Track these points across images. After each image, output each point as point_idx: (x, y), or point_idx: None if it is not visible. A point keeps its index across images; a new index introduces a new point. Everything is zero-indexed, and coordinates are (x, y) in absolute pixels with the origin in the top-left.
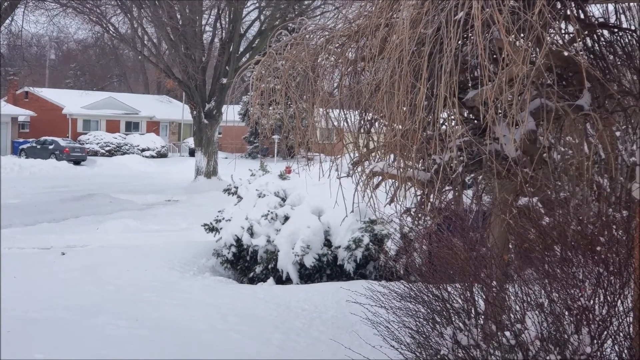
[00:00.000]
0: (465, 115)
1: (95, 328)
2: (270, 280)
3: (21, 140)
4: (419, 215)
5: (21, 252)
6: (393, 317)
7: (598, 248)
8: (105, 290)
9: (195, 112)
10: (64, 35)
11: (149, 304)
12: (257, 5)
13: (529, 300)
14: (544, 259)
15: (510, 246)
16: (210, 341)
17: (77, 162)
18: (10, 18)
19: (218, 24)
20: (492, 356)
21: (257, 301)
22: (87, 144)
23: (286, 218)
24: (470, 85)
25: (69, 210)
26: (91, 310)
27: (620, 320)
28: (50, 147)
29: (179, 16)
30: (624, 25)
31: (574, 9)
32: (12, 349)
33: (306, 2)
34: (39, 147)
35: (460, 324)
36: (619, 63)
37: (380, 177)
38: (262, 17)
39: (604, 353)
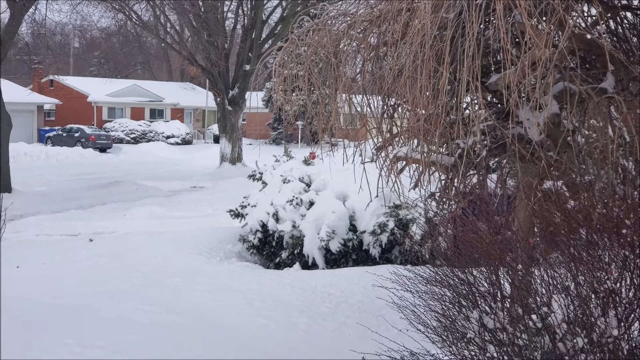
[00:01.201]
0: (489, 99)
1: (123, 314)
2: (297, 266)
3: (47, 128)
4: (444, 199)
5: (49, 239)
6: (419, 301)
7: (624, 231)
8: (133, 277)
9: (219, 99)
10: (87, 24)
11: (176, 290)
12: None
13: (555, 283)
14: (569, 242)
15: (536, 230)
16: (237, 326)
17: (102, 150)
18: (33, 7)
19: (240, 11)
20: (519, 339)
21: (283, 286)
22: (112, 131)
23: (311, 203)
24: (493, 69)
25: (96, 197)
26: (119, 296)
27: None
28: (76, 134)
29: (200, 3)
30: None
31: None
32: (42, 334)
33: None
34: (65, 135)
35: (487, 308)
36: None
37: (404, 162)
38: (283, 3)
39: (632, 336)
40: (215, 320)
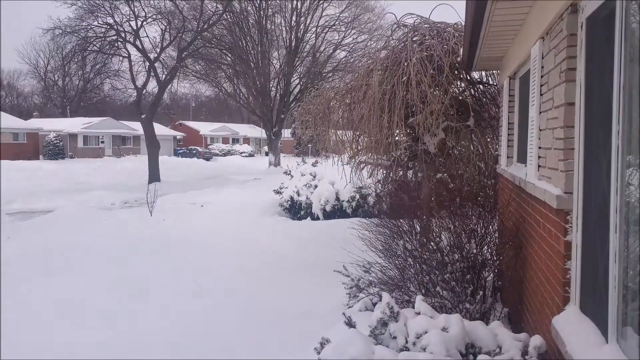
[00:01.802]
0: (408, 131)
1: (221, 240)
2: (309, 218)
3: (178, 148)
4: (385, 183)
5: (178, 206)
6: (372, 235)
7: (479, 198)
8: (224, 224)
9: (267, 133)
10: (198, 93)
11: (248, 232)
12: (299, 77)
13: (443, 226)
14: (450, 205)
15: (433, 199)
16: (277, 248)
17: (207, 160)
18: (170, 85)
19: (278, 86)
20: (424, 255)
21: (301, 228)
22: (212, 150)
23: (315, 186)
24: (411, 114)
25: (204, 184)
26: (216, 234)
27: (491, 236)
28: (194, 152)
29: (257, 83)
30: (490, 82)
31: (464, 74)
32: (172, 255)
33: (324, 75)
34: (187, 151)
35: (407, 238)
36: (488, 101)
37: (364, 164)
38: (301, 82)
39: (483, 252)
40: (267, 246)
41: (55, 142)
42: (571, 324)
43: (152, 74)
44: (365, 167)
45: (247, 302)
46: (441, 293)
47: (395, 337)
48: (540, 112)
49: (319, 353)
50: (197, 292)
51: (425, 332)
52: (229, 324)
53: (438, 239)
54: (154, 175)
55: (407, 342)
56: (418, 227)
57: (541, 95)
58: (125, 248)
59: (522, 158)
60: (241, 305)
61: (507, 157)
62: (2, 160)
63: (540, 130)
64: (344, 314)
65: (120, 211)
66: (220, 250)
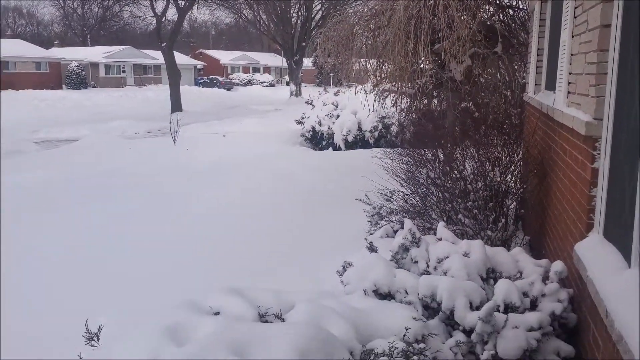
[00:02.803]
0: (434, 58)
1: (242, 172)
2: (330, 149)
3: (199, 78)
4: (409, 112)
5: (201, 135)
6: (395, 164)
7: (504, 127)
8: (247, 154)
9: (288, 61)
10: (219, 20)
11: (269, 161)
12: (320, 2)
13: (467, 154)
14: (475, 134)
15: (457, 127)
16: (299, 177)
17: (228, 89)
18: (190, 12)
19: (299, 13)
20: (447, 183)
21: (322, 158)
22: (232, 80)
23: (337, 116)
24: (437, 40)
25: (225, 114)
26: (239, 163)
27: (515, 164)
28: (214, 81)
29: (278, 9)
30: (521, 5)
31: None
32: (196, 183)
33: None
34: (208, 81)
35: (430, 167)
36: (517, 27)
37: (388, 93)
38: (323, 8)
39: (507, 180)
40: (289, 174)
41: (77, 71)
42: (593, 250)
43: (172, 0)
44: (389, 96)
45: (268, 229)
46: (463, 221)
47: (416, 262)
48: (573, 36)
49: (341, 275)
50: (214, 218)
51: (447, 257)
52: (251, 251)
53: (462, 167)
54: (175, 105)
55: (428, 266)
56: (442, 156)
57: (575, 17)
58: (151, 176)
59: (551, 85)
60: (262, 233)
61: (535, 84)
62: (25, 90)
63: (571, 55)
64: (365, 239)
65: (144, 140)
66: (241, 179)
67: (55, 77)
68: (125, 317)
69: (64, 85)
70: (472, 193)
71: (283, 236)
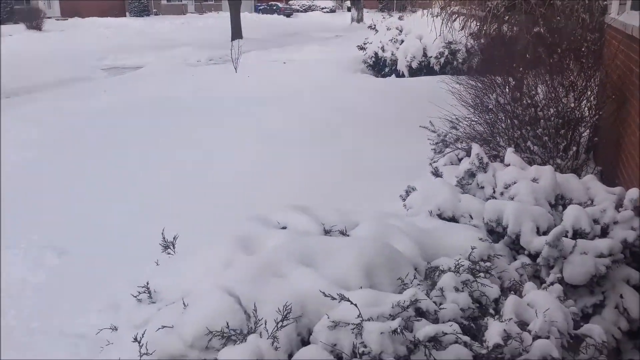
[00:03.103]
0: None
1: (301, 99)
2: (393, 76)
3: (259, 4)
4: (478, 37)
5: (261, 62)
6: (463, 89)
7: (582, 50)
8: (307, 82)
9: None
10: None
11: (331, 89)
12: None
13: (539, 79)
14: (549, 59)
15: (529, 53)
16: (361, 104)
17: (287, 16)
18: None
19: None
20: (517, 110)
21: (385, 84)
22: (292, 6)
23: (402, 41)
24: None
25: (284, 41)
26: (299, 91)
27: (591, 90)
28: (274, 8)
29: None
30: None
31: None
32: (262, 110)
33: None
34: (268, 8)
35: (499, 92)
36: None
37: (456, 16)
38: None
39: (581, 107)
40: (348, 101)
41: None
42: None
43: None
44: (457, 19)
45: (327, 156)
46: (532, 148)
47: (482, 187)
48: None
49: (404, 200)
50: (284, 142)
51: (514, 183)
52: (309, 177)
53: (533, 92)
54: (236, 32)
55: (494, 192)
56: (512, 81)
57: None
58: (214, 102)
59: (638, 5)
60: (322, 159)
61: (620, 3)
62: (91, 18)
63: None
64: (430, 164)
65: (206, 68)
66: (301, 106)
67: (118, 5)
68: (199, 228)
69: (127, 13)
70: (542, 120)
71: (343, 163)
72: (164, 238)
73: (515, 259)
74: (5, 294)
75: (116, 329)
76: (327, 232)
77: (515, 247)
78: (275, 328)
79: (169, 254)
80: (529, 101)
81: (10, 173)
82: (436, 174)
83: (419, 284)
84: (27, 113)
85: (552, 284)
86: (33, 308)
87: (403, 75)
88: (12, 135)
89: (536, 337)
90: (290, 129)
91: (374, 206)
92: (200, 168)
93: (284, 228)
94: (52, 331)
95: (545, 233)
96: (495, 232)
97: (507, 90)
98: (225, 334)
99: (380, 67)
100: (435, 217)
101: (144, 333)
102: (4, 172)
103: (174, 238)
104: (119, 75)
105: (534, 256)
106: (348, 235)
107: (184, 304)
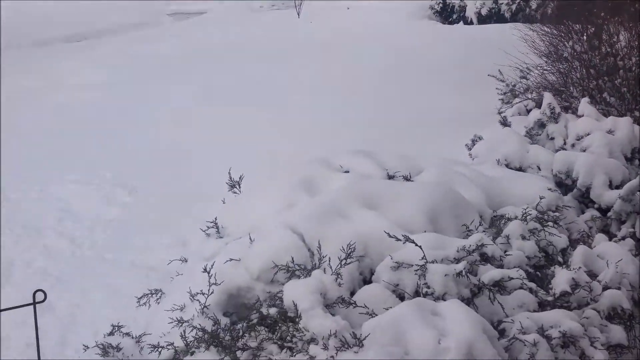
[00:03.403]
0: None
1: (364, 46)
2: (461, 23)
3: None
4: None
5: (324, 8)
6: (536, 36)
7: None
8: (371, 28)
9: None
10: None
11: (395, 35)
12: None
13: (622, 25)
14: (632, 5)
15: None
16: (427, 52)
17: None
18: None
19: None
20: (595, 58)
21: (453, 31)
22: None
23: None
24: None
25: None
26: (363, 37)
27: None
28: None
29: None
30: None
31: None
32: (326, 56)
33: None
34: None
35: (576, 39)
36: None
37: None
38: None
39: None
40: (414, 48)
41: None
42: None
43: None
44: None
45: (390, 104)
46: (608, 100)
47: (552, 138)
48: None
49: (469, 149)
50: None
51: (588, 134)
52: (371, 124)
53: (614, 39)
54: None
55: (565, 143)
56: (591, 28)
57: None
58: (278, 48)
59: None
60: (384, 107)
61: None
62: None
63: None
64: (499, 113)
65: (269, 13)
66: (363, 53)
67: None
68: (264, 170)
69: None
70: (622, 70)
71: (405, 112)
72: (230, 177)
73: (584, 213)
74: (81, 225)
75: (186, 261)
76: (390, 177)
77: (585, 201)
78: (339, 265)
79: (235, 193)
80: (609, 50)
81: (82, 113)
82: (504, 123)
83: (484, 231)
84: (97, 56)
85: (623, 238)
86: (106, 241)
87: (472, 23)
88: (84, 78)
89: (606, 288)
90: (350, 76)
91: (439, 154)
92: (264, 112)
93: (347, 172)
94: (124, 262)
95: (618, 187)
96: (564, 184)
97: (584, 37)
98: (290, 269)
99: (447, 13)
100: (502, 167)
101: (213, 264)
102: (75, 111)
103: (240, 177)
104: (184, 20)
105: (604, 210)
106: (412, 181)
107: (250, 239)
